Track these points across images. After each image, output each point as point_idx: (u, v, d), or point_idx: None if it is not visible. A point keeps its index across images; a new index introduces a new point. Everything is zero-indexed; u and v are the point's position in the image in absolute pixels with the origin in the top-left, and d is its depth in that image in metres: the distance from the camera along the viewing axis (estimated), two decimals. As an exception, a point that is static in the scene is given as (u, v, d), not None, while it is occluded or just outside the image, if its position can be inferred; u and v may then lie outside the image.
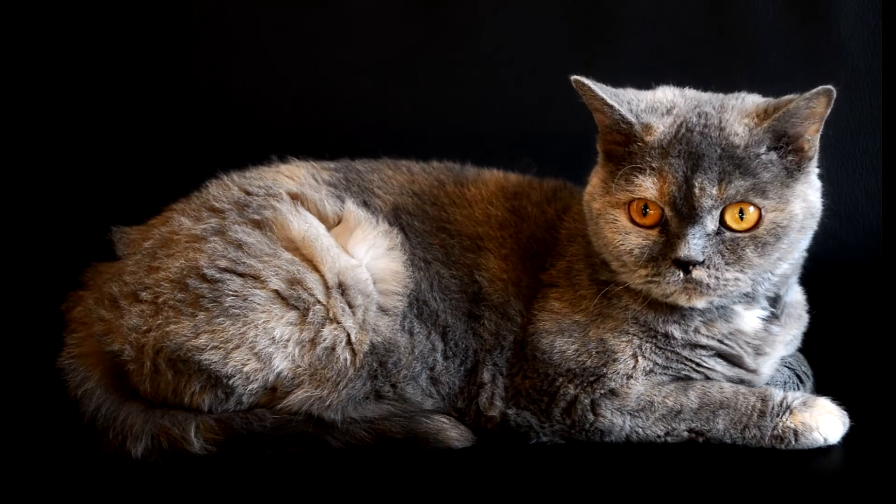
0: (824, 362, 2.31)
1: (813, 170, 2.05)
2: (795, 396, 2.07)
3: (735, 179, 1.94)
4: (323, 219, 2.19)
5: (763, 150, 1.97)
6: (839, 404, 2.07)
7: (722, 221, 1.96)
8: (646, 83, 2.15)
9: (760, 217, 1.96)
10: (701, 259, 1.95)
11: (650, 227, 2.01)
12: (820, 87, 1.94)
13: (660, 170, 1.98)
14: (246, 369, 2.05)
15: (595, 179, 2.10)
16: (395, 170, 2.34)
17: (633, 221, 2.02)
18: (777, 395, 2.07)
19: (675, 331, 2.08)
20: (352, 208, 2.20)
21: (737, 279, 1.98)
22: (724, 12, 2.93)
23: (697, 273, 1.96)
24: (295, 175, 2.28)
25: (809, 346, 2.30)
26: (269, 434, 2.08)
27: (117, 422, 2.08)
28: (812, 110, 1.97)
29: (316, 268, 2.10)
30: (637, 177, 2.00)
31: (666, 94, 2.10)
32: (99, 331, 2.11)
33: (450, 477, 2.02)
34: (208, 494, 1.98)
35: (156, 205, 2.31)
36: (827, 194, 2.08)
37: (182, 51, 3.05)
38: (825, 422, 2.04)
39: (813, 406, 2.05)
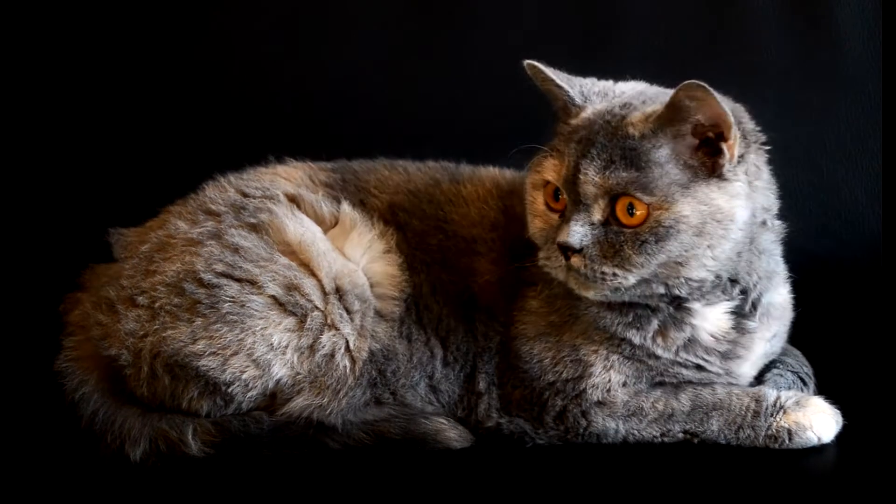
0: (823, 362, 2.30)
1: (735, 178, 1.96)
2: (789, 396, 2.07)
3: (619, 170, 1.91)
4: (320, 221, 2.18)
5: (659, 144, 1.93)
6: (833, 403, 2.07)
7: (613, 213, 1.94)
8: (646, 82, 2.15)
9: (648, 215, 1.92)
10: (577, 247, 1.94)
11: (557, 212, 2.01)
12: (689, 81, 1.87)
13: (561, 153, 1.98)
14: (245, 376, 2.04)
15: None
16: (392, 170, 2.33)
17: (546, 205, 2.03)
18: (771, 395, 2.06)
19: (634, 337, 2.06)
20: (347, 210, 2.20)
21: (615, 274, 1.95)
22: (723, 13, 2.93)
23: (574, 261, 1.95)
24: (292, 176, 2.27)
25: (809, 346, 2.30)
26: (267, 436, 2.07)
27: (115, 425, 2.08)
28: (694, 105, 1.89)
29: (313, 273, 2.09)
30: (546, 159, 2.02)
31: (627, 87, 2.09)
32: (96, 335, 2.11)
33: (449, 477, 2.02)
34: (207, 497, 1.98)
35: (153, 206, 2.30)
36: (827, 194, 2.07)
37: (180, 51, 3.05)
38: (819, 421, 2.04)
39: (806, 405, 2.05)
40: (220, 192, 2.22)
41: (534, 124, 2.81)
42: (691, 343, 2.07)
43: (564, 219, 1.98)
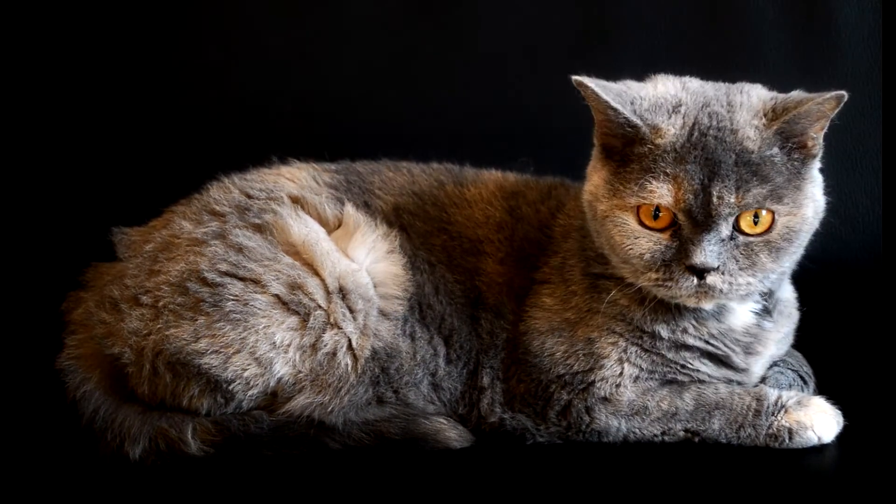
0: (823, 362, 2.31)
1: (816, 166, 2.02)
2: (790, 396, 2.08)
3: (753, 187, 1.90)
4: (323, 222, 2.19)
5: (774, 151, 1.93)
6: (833, 403, 2.08)
7: (736, 225, 1.93)
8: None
9: (773, 220, 1.93)
10: (716, 265, 1.92)
11: (661, 231, 1.96)
12: (834, 92, 1.92)
13: (675, 176, 1.92)
14: (246, 374, 2.04)
15: (596, 178, 2.04)
16: (396, 171, 2.34)
17: (642, 224, 1.97)
18: (772, 394, 2.07)
19: (663, 330, 2.06)
20: (351, 211, 2.20)
21: (749, 283, 1.95)
22: (723, 12, 2.93)
23: (712, 279, 1.93)
24: (296, 177, 2.28)
25: (809, 346, 2.30)
26: (267, 436, 2.08)
27: (115, 423, 2.08)
28: (822, 112, 1.93)
29: (316, 272, 2.09)
30: (650, 182, 1.94)
31: (668, 89, 2.04)
32: (99, 334, 2.11)
33: (449, 477, 2.03)
34: (206, 496, 1.98)
35: (156, 205, 2.31)
36: (827, 194, 2.06)
37: (182, 51, 3.06)
38: (820, 421, 2.05)
39: (808, 405, 2.06)
40: (224, 192, 2.22)
41: (538, 126, 2.83)
42: (722, 333, 2.08)
43: (686, 239, 1.94)
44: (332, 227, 2.19)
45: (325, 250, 2.11)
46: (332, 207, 2.21)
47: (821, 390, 2.19)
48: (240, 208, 2.17)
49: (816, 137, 1.98)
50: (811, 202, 1.98)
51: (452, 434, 2.13)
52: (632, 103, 1.99)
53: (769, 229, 1.93)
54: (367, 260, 2.16)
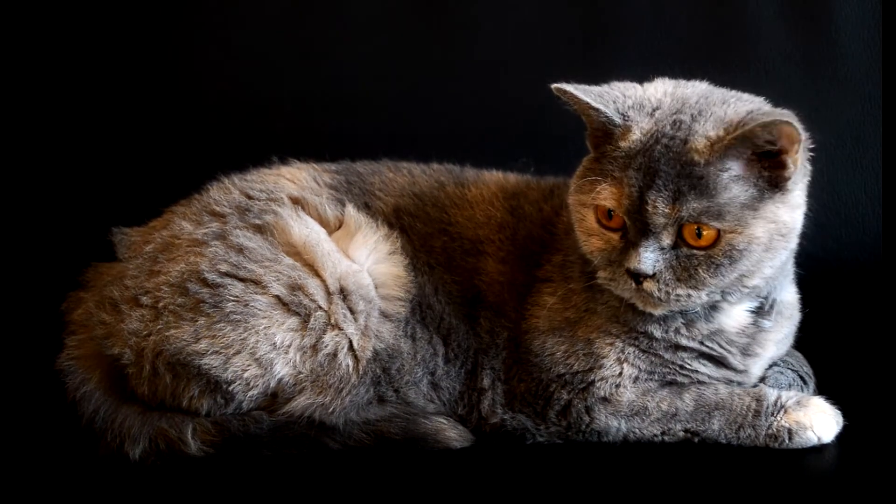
0: (823, 362, 2.31)
1: (794, 188, 1.96)
2: (790, 396, 2.08)
3: (689, 201, 1.89)
4: (324, 223, 2.19)
5: (727, 166, 1.90)
6: (833, 403, 2.08)
7: (680, 235, 1.92)
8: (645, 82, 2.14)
9: (719, 236, 1.91)
10: (650, 272, 1.92)
11: (614, 230, 1.98)
12: (777, 118, 1.86)
13: (619, 180, 1.94)
14: (246, 375, 2.04)
15: (576, 172, 2.08)
16: (396, 172, 2.34)
17: (599, 222, 2.00)
18: (772, 394, 2.07)
19: (656, 331, 2.06)
20: (352, 212, 2.20)
21: (689, 295, 1.95)
22: (723, 12, 2.93)
23: (647, 285, 1.94)
24: (296, 178, 2.28)
25: (809, 346, 2.30)
26: (266, 436, 2.08)
27: (115, 424, 2.08)
28: (772, 136, 1.88)
29: (317, 273, 2.09)
30: (600, 183, 1.96)
31: (657, 92, 2.04)
32: (99, 334, 2.11)
33: (449, 477, 2.03)
34: (206, 497, 1.98)
35: (156, 205, 2.31)
36: (827, 194, 2.06)
37: (182, 51, 3.06)
38: (819, 421, 2.04)
39: (807, 405, 2.06)
40: (224, 193, 2.22)
41: (537, 126, 2.83)
42: (715, 334, 2.07)
43: (630, 242, 1.95)
44: (333, 227, 2.19)
45: (326, 251, 2.11)
46: (332, 208, 2.21)
47: (821, 390, 2.19)
48: (240, 209, 2.17)
49: (791, 160, 1.92)
50: (766, 223, 1.92)
51: (452, 434, 2.13)
52: (614, 101, 2.00)
53: (713, 244, 1.91)
54: (368, 261, 2.16)
